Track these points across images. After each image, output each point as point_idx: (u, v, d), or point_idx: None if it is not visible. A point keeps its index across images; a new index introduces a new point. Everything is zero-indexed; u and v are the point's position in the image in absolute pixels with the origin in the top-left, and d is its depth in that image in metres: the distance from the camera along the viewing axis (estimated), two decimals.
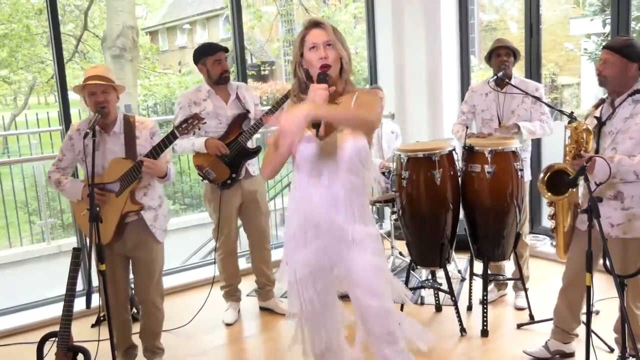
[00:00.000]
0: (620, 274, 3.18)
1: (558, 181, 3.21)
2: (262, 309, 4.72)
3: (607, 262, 2.79)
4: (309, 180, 2.60)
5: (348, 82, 2.67)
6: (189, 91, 4.41)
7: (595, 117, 3.27)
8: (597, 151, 3.23)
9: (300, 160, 2.61)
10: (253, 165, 4.44)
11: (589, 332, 2.95)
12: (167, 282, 5.21)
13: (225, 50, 4.32)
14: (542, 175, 3.27)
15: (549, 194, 3.26)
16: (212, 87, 4.31)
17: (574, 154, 3.21)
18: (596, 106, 3.26)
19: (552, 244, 3.60)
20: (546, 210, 4.01)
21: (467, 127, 4.43)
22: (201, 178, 4.39)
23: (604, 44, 3.30)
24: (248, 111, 4.34)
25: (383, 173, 4.87)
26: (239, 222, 4.61)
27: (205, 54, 4.28)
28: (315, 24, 2.61)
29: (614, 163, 3.03)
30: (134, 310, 4.35)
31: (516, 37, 6.57)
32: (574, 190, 3.18)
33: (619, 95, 3.22)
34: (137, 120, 3.63)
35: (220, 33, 20.31)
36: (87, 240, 3.55)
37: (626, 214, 3.19)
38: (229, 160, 4.27)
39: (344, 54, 2.59)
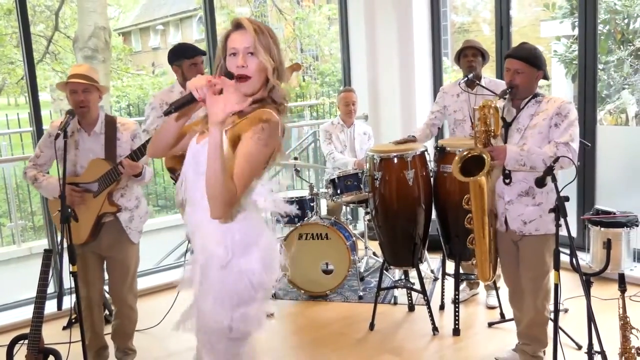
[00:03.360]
0: (535, 272, 3.33)
1: (470, 167, 3.24)
2: None
3: (575, 262, 2.84)
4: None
5: (274, 95, 2.23)
6: (161, 91, 4.33)
7: (502, 118, 3.37)
8: (505, 139, 3.34)
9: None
10: None
11: (556, 329, 3.00)
12: (141, 283, 5.17)
13: (203, 53, 4.19)
14: (456, 162, 3.27)
15: (465, 178, 3.26)
16: (185, 88, 4.25)
17: (484, 141, 3.27)
18: (500, 96, 3.33)
19: (472, 262, 3.63)
20: None
21: (438, 127, 4.47)
22: (174, 182, 4.27)
23: (508, 52, 3.40)
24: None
25: (356, 174, 4.90)
26: None
27: (182, 55, 4.11)
28: (237, 25, 2.20)
29: (525, 151, 3.14)
30: (106, 311, 4.33)
31: (488, 38, 6.67)
32: (488, 167, 3.18)
33: (523, 98, 3.34)
34: (119, 121, 3.62)
35: (194, 34, 20.18)
36: (48, 244, 3.52)
37: (539, 209, 3.29)
38: None
39: (267, 65, 2.17)
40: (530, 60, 3.28)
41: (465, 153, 3.25)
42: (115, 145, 3.54)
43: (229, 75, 2.15)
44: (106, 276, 3.79)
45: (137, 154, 3.42)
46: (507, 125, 3.37)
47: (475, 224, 3.43)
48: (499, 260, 3.59)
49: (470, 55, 4.34)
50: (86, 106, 3.43)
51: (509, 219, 3.37)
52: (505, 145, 3.21)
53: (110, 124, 3.57)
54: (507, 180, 3.29)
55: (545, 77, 3.38)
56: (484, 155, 3.15)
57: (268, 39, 2.19)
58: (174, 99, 4.11)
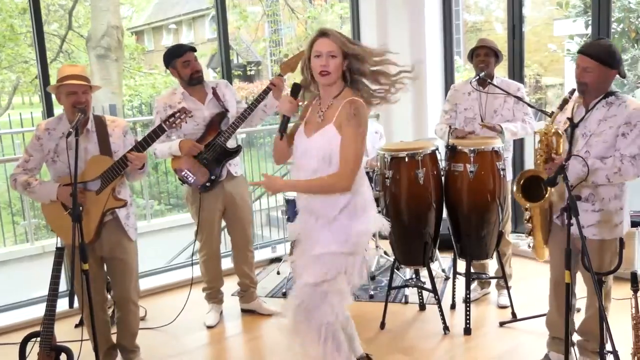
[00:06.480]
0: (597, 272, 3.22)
1: (532, 186, 3.21)
2: (244, 311, 4.68)
3: (586, 260, 2.82)
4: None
5: (355, 84, 2.98)
6: (164, 94, 4.37)
7: (568, 118, 3.24)
8: (569, 152, 3.22)
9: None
10: (235, 166, 4.34)
11: (567, 329, 2.99)
12: (152, 282, 5.24)
13: (193, 50, 4.24)
14: (516, 184, 3.27)
15: (528, 202, 3.26)
16: (186, 89, 4.22)
17: (545, 157, 3.22)
18: (560, 107, 3.23)
19: (528, 245, 3.60)
20: None
21: (450, 127, 4.45)
22: (180, 182, 4.34)
23: (579, 47, 3.24)
24: (227, 110, 4.26)
25: (367, 173, 4.88)
26: (223, 223, 4.57)
27: (173, 56, 4.18)
28: (323, 34, 2.91)
29: (587, 168, 3.03)
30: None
31: (501, 37, 6.64)
32: (552, 191, 3.18)
33: (594, 98, 3.19)
34: (108, 119, 3.63)
35: (206, 33, 20.28)
36: (60, 242, 3.51)
37: (598, 215, 3.20)
38: (208, 162, 4.19)
39: (353, 61, 2.91)
40: (602, 58, 3.08)
41: (525, 174, 3.26)
42: (109, 141, 3.53)
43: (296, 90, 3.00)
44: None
45: (142, 145, 3.44)
46: (573, 126, 3.23)
47: (534, 222, 3.38)
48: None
49: (482, 55, 4.32)
50: (86, 107, 3.43)
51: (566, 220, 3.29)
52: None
53: (100, 122, 3.57)
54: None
55: (621, 75, 3.20)
56: (544, 178, 3.11)
57: (347, 43, 2.90)
58: (176, 100, 4.15)
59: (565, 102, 3.22)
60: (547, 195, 3.15)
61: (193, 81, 4.20)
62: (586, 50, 3.15)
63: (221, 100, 4.26)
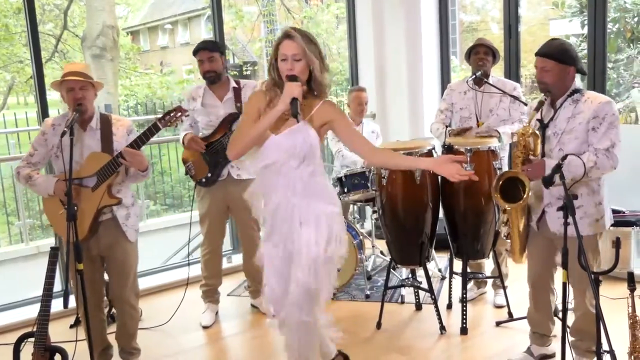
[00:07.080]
0: (582, 271, 3.23)
1: (511, 188, 3.24)
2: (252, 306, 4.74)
3: (582, 259, 2.82)
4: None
5: (317, 87, 2.94)
6: (193, 87, 4.52)
7: (538, 119, 3.30)
8: (543, 153, 3.28)
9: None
10: (240, 169, 4.31)
11: (564, 328, 2.98)
12: (148, 282, 5.21)
13: (211, 49, 4.22)
14: (495, 184, 3.30)
15: (507, 203, 3.28)
16: (208, 85, 4.29)
17: (523, 159, 3.26)
18: (537, 109, 3.27)
19: (506, 249, 3.61)
20: None
21: (447, 126, 4.44)
22: (185, 173, 4.47)
23: (539, 50, 3.27)
24: (239, 112, 4.25)
25: (364, 172, 4.87)
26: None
27: (193, 53, 4.29)
28: (287, 36, 2.85)
29: (564, 163, 3.04)
30: (113, 310, 4.33)
31: (497, 37, 6.65)
32: (530, 194, 3.22)
33: (559, 97, 3.25)
34: (114, 118, 3.63)
35: (202, 33, 20.23)
36: (60, 238, 3.51)
37: (578, 212, 3.17)
38: (210, 159, 4.26)
39: (315, 65, 2.86)
40: (557, 56, 3.17)
41: (504, 176, 3.26)
42: (112, 140, 3.52)
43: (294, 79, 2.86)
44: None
45: (137, 143, 3.43)
46: (544, 127, 3.28)
47: (512, 225, 3.41)
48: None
49: (481, 53, 4.31)
50: (83, 103, 3.41)
51: (548, 220, 3.29)
52: (543, 160, 3.15)
53: (106, 120, 3.57)
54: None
55: (581, 72, 3.26)
56: (522, 179, 3.15)
57: (313, 46, 2.86)
58: (199, 94, 4.28)
59: (541, 103, 3.27)
60: (525, 196, 3.16)
61: (206, 80, 4.27)
62: (541, 51, 3.24)
63: (240, 101, 4.27)
